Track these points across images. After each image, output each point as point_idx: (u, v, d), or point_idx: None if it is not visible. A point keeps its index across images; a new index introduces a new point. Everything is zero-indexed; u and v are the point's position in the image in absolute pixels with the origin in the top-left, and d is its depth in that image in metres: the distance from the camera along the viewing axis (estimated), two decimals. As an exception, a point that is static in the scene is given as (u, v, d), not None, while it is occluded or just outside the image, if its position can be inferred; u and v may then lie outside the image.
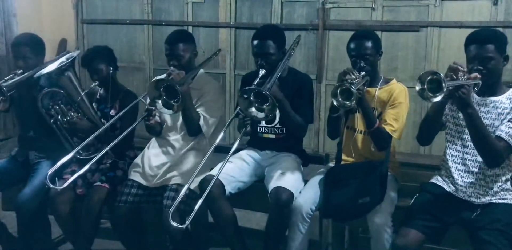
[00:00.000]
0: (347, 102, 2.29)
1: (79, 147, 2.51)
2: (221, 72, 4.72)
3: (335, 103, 2.31)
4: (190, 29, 4.67)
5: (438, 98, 1.98)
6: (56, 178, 2.56)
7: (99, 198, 2.72)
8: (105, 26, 5.10)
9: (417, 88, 2.03)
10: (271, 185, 2.51)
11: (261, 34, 2.71)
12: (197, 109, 2.73)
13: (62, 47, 4.94)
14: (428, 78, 2.00)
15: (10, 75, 2.82)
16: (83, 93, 2.79)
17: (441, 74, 1.96)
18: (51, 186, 2.33)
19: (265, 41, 2.65)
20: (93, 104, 2.92)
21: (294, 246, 2.50)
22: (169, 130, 2.86)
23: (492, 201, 2.25)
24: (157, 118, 2.75)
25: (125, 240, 2.81)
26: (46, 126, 2.87)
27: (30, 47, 2.89)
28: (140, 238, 2.83)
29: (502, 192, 2.26)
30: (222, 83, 4.66)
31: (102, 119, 2.88)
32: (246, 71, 3.76)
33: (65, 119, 2.77)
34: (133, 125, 2.64)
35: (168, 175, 2.72)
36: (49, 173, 2.32)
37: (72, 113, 2.77)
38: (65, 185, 2.38)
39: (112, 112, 2.91)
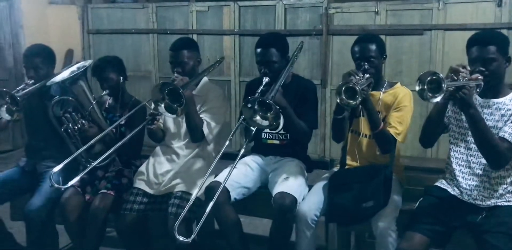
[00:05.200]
0: (352, 101, 2.28)
1: (83, 148, 2.60)
2: (226, 79, 4.73)
3: (338, 101, 2.31)
4: (194, 37, 4.69)
5: (437, 99, 1.98)
6: (60, 178, 2.58)
7: (104, 205, 2.74)
8: (110, 36, 5.14)
9: (417, 88, 2.03)
10: (275, 190, 2.51)
11: (264, 42, 2.73)
12: (200, 116, 2.74)
13: (68, 58, 4.98)
14: (428, 78, 2.00)
15: (22, 86, 2.86)
16: (94, 102, 2.83)
17: (441, 75, 1.96)
18: (55, 185, 2.36)
19: (268, 49, 2.67)
20: (102, 113, 2.95)
21: None
22: (173, 137, 2.87)
23: (497, 204, 2.23)
24: (160, 124, 2.79)
25: (130, 248, 2.82)
26: (55, 135, 2.90)
27: (42, 58, 2.93)
28: (146, 246, 2.84)
29: (507, 195, 2.24)
30: (227, 90, 4.67)
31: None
32: (251, 78, 3.77)
33: (76, 127, 2.80)
34: (137, 129, 2.67)
35: (173, 182, 2.73)
36: (54, 171, 2.37)
37: (83, 121, 2.80)
38: (69, 184, 2.42)
39: (122, 121, 2.93)
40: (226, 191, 2.54)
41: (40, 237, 2.84)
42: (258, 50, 2.70)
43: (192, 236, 2.12)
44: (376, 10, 4.19)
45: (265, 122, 2.42)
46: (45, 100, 2.92)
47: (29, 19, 4.59)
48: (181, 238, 2.09)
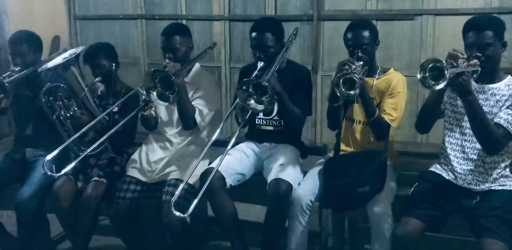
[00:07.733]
0: (351, 92, 2.26)
1: (77, 135, 2.52)
2: (217, 65, 4.68)
3: (338, 93, 2.29)
4: (183, 22, 4.62)
5: (440, 86, 1.96)
6: (53, 166, 2.51)
7: (97, 193, 2.71)
8: (98, 22, 5.04)
9: (419, 76, 2.01)
10: (270, 177, 2.50)
11: (260, 27, 2.69)
12: (193, 103, 2.71)
13: (55, 44, 4.87)
14: (430, 66, 1.98)
15: (8, 73, 2.81)
16: (86, 89, 2.79)
17: (444, 62, 1.95)
18: (49, 173, 2.31)
19: (263, 33, 2.64)
20: (95, 100, 2.91)
21: (294, 238, 2.50)
22: (165, 124, 2.85)
23: (491, 188, 2.25)
24: (153, 112, 2.75)
25: (124, 236, 2.81)
26: (45, 123, 2.85)
27: (28, 45, 2.89)
28: (140, 234, 2.82)
29: (501, 179, 2.26)
30: (218, 76, 4.62)
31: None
32: (242, 64, 3.74)
33: (68, 114, 2.77)
34: (130, 115, 2.63)
35: (166, 170, 2.71)
36: (47, 159, 2.30)
37: (75, 108, 2.76)
38: (63, 172, 2.36)
39: (115, 109, 2.89)
40: (221, 178, 2.53)
41: (31, 226, 2.82)
42: (254, 34, 2.67)
43: (188, 212, 2.11)
44: (367, -5, 4.16)
45: (260, 107, 2.39)
46: (35, 87, 2.86)
47: (13, 5, 4.47)
48: (177, 214, 2.09)
